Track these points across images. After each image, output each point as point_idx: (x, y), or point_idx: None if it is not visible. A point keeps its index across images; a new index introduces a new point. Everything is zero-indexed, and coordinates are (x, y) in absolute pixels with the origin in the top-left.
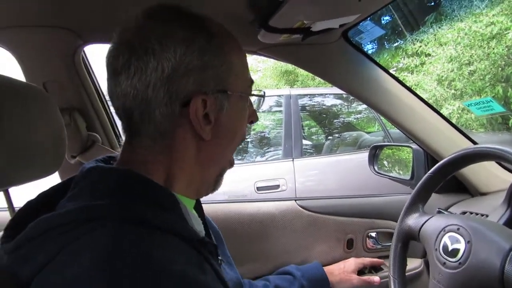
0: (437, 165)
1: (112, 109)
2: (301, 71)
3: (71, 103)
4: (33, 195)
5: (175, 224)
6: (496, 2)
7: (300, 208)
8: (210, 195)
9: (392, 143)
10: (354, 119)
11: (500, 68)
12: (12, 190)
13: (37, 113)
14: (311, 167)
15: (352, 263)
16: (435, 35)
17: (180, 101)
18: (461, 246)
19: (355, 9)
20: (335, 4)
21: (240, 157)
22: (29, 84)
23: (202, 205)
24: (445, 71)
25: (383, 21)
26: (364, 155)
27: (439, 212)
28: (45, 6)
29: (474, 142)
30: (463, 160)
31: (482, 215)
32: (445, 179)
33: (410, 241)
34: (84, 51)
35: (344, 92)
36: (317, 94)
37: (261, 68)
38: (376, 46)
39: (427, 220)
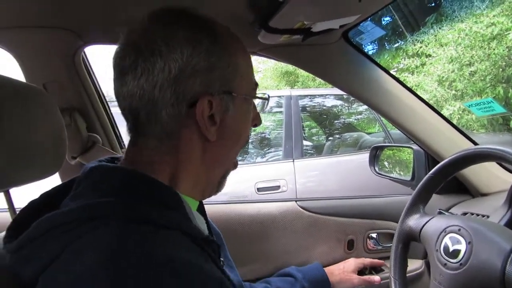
0: (437, 166)
1: (112, 110)
2: (302, 72)
3: (71, 104)
4: (33, 196)
5: (180, 222)
6: (496, 2)
7: (301, 209)
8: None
9: (393, 144)
10: (355, 120)
11: (500, 69)
12: (12, 191)
13: (38, 114)
14: (312, 168)
15: (352, 263)
16: (435, 35)
17: (186, 102)
18: (462, 247)
19: (356, 10)
20: (335, 4)
21: (240, 158)
22: (30, 84)
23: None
24: (446, 71)
25: (383, 22)
26: (364, 156)
27: (440, 213)
28: (45, 6)
29: (475, 143)
30: (464, 161)
31: (483, 216)
32: (446, 180)
33: (411, 242)
34: (84, 52)
35: (345, 93)
36: (318, 95)
37: (262, 69)
38: (377, 47)
39: (428, 221)
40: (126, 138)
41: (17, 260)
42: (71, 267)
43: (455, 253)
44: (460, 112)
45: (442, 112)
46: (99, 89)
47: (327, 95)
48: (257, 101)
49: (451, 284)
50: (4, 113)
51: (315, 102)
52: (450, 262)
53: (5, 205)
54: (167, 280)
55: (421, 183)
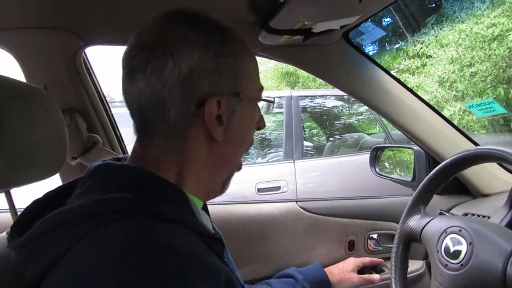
0: (438, 166)
1: (113, 111)
2: (302, 73)
3: (71, 105)
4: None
5: (187, 218)
6: (497, 3)
7: (301, 210)
8: None
9: (393, 145)
10: (355, 120)
11: (501, 70)
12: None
13: (39, 114)
14: (312, 168)
15: (351, 262)
16: (436, 36)
17: (195, 102)
18: (463, 247)
19: (356, 10)
20: (335, 5)
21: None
22: (30, 84)
23: None
24: (446, 72)
25: (384, 23)
26: (365, 157)
27: (440, 213)
28: (46, 7)
29: (476, 144)
30: (465, 161)
31: (484, 216)
32: (447, 180)
33: (411, 242)
34: (85, 53)
35: (345, 94)
36: (318, 96)
37: (262, 70)
38: (377, 48)
39: (428, 222)
40: (126, 138)
41: (23, 257)
42: (81, 262)
43: (456, 254)
44: (461, 112)
45: (442, 113)
46: (99, 89)
47: (327, 96)
48: (260, 105)
49: (452, 285)
50: (4, 114)
51: (315, 103)
52: (451, 263)
53: (5, 205)
54: (177, 271)
55: (421, 183)
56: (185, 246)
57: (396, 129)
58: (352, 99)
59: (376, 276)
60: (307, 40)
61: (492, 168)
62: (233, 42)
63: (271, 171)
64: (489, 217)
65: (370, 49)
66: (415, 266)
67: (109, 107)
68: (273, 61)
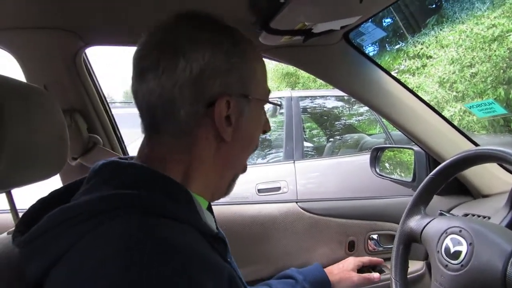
0: (438, 167)
1: (113, 111)
2: (303, 73)
3: (72, 105)
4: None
5: (191, 217)
6: (497, 4)
7: (302, 210)
8: None
9: (394, 145)
10: (356, 121)
11: (501, 70)
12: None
13: (40, 114)
14: (312, 169)
15: (351, 261)
16: (436, 37)
17: (205, 101)
18: (463, 248)
19: (356, 11)
20: (336, 5)
21: None
22: (31, 85)
23: None
24: (447, 73)
25: (384, 23)
26: (365, 157)
27: (441, 214)
28: (46, 8)
29: (476, 144)
30: (465, 162)
31: (484, 217)
32: (447, 181)
33: (412, 243)
34: (85, 53)
35: (345, 94)
36: (318, 96)
37: None
38: (378, 48)
39: (429, 222)
40: (126, 139)
41: (26, 254)
42: (83, 261)
43: (456, 254)
44: (461, 113)
45: (443, 114)
46: (100, 90)
47: (328, 96)
48: (266, 108)
49: (452, 286)
50: (5, 114)
51: (316, 104)
52: (451, 263)
53: (6, 206)
54: (181, 270)
55: (422, 184)
56: (189, 245)
57: (397, 130)
58: (353, 99)
59: (376, 275)
60: (307, 41)
61: (492, 168)
62: (243, 44)
63: (271, 172)
64: (489, 218)
65: (370, 50)
66: (415, 266)
67: (109, 108)
68: (274, 62)
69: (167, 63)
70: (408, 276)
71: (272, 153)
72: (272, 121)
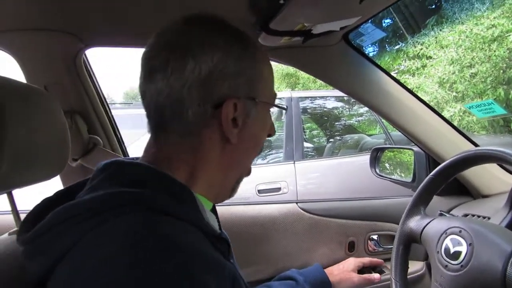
0: (438, 167)
1: (113, 112)
2: (302, 74)
3: (72, 106)
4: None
5: (193, 217)
6: (497, 4)
7: (302, 211)
8: None
9: (394, 146)
10: (356, 121)
11: (501, 71)
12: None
13: (40, 115)
14: (313, 169)
15: (351, 262)
16: (436, 37)
17: (213, 103)
18: (463, 248)
19: (356, 12)
20: (335, 6)
21: None
22: (32, 85)
23: None
24: (447, 73)
25: (384, 24)
26: (365, 158)
27: (441, 214)
28: (46, 9)
29: (476, 145)
30: (465, 162)
31: (484, 217)
32: (447, 181)
33: (411, 243)
34: (85, 54)
35: (345, 95)
36: (318, 97)
37: None
38: (377, 49)
39: (428, 223)
40: (126, 139)
41: (32, 250)
42: (90, 256)
43: (456, 254)
44: (461, 113)
45: (443, 114)
46: (100, 91)
47: (327, 97)
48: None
49: (452, 286)
50: (6, 114)
51: (316, 104)
52: (451, 263)
53: (6, 207)
54: (183, 268)
55: (422, 184)
56: (191, 244)
57: (396, 130)
58: (352, 100)
59: (376, 276)
60: (307, 42)
61: (492, 169)
62: (253, 47)
63: (272, 172)
64: (489, 218)
65: (370, 50)
66: (415, 267)
67: (109, 109)
68: (273, 63)
69: (176, 64)
70: (408, 277)
71: (272, 154)
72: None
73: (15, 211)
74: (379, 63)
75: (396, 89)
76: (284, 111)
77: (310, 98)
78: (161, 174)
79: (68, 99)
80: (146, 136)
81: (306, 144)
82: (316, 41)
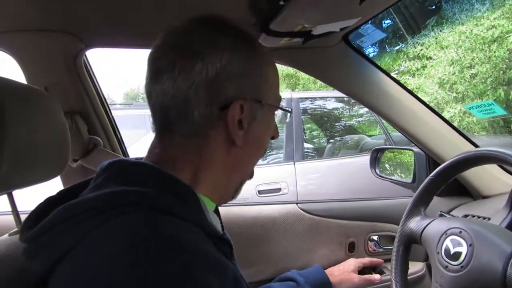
0: (438, 168)
1: (113, 113)
2: (303, 75)
3: (72, 107)
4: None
5: (196, 217)
6: (497, 5)
7: (302, 211)
8: None
9: (394, 146)
10: (356, 122)
11: (501, 71)
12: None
13: (41, 115)
14: (313, 170)
15: (351, 263)
16: (436, 38)
17: (219, 104)
18: (463, 249)
19: (356, 13)
20: (335, 7)
21: None
22: (32, 86)
23: None
24: (447, 74)
25: (384, 25)
26: (365, 158)
27: (441, 215)
28: (47, 10)
29: (476, 145)
30: (465, 163)
31: (484, 218)
32: (447, 182)
33: (412, 244)
34: (85, 55)
35: (345, 96)
36: (319, 98)
37: None
38: (377, 50)
39: (429, 223)
40: (126, 140)
41: (34, 248)
42: (92, 255)
43: (456, 255)
44: (461, 114)
45: (443, 115)
46: (100, 91)
47: (328, 98)
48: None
49: (452, 287)
50: (6, 115)
51: (316, 105)
52: (451, 264)
53: (7, 207)
54: (186, 268)
55: (422, 185)
56: (195, 244)
57: (396, 131)
58: (353, 101)
59: (376, 276)
60: (307, 42)
61: (492, 169)
62: (259, 50)
63: (272, 173)
64: (489, 219)
65: (370, 51)
66: (415, 267)
67: (109, 109)
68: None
69: (183, 65)
70: (408, 277)
71: (272, 154)
72: None
73: (15, 211)
74: (379, 64)
75: (396, 90)
76: (288, 114)
77: (310, 99)
78: (165, 174)
79: (69, 100)
80: (146, 137)
81: (306, 145)
82: (316, 42)
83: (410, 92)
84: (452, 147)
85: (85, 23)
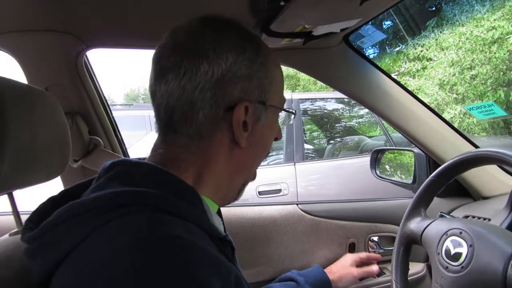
0: (439, 169)
1: (114, 114)
2: (303, 75)
3: (73, 107)
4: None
5: (200, 218)
6: (497, 6)
7: (302, 212)
8: None
9: (394, 147)
10: (356, 123)
11: (501, 73)
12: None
13: (42, 116)
14: (313, 171)
15: (348, 257)
16: (436, 39)
17: (224, 105)
18: (464, 250)
19: (356, 14)
20: (336, 8)
21: None
22: (33, 86)
23: None
24: (447, 75)
25: (384, 26)
26: (366, 159)
27: (441, 216)
28: (48, 10)
29: (476, 146)
30: (465, 164)
31: (485, 219)
32: (447, 183)
33: (412, 245)
34: (86, 55)
35: (346, 96)
36: (319, 99)
37: None
38: (378, 51)
39: (429, 224)
40: (126, 141)
41: (36, 248)
42: (94, 255)
43: (457, 256)
44: (461, 115)
45: (443, 116)
46: (100, 92)
47: (328, 99)
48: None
49: (453, 287)
50: (7, 115)
51: (316, 106)
52: (452, 265)
53: (7, 208)
54: (190, 269)
55: (422, 186)
56: (198, 245)
57: (397, 132)
58: (353, 101)
59: (375, 268)
60: (307, 43)
61: (493, 170)
62: (265, 51)
63: (272, 174)
64: (489, 219)
65: (370, 52)
66: (416, 268)
67: (110, 110)
68: None
69: (189, 65)
70: (408, 278)
71: (272, 155)
72: None
73: (15, 212)
74: (379, 65)
75: (396, 91)
76: (292, 116)
77: (310, 100)
78: (169, 175)
79: (69, 100)
80: (147, 138)
81: (306, 146)
82: (316, 43)
83: (410, 93)
84: (453, 148)
85: (86, 23)
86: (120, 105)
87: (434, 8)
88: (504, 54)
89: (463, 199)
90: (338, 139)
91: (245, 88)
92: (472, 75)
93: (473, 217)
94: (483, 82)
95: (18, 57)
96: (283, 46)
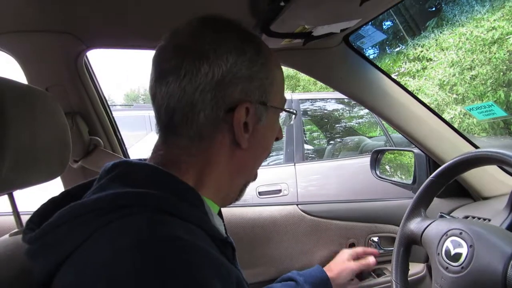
0: (439, 169)
1: (114, 114)
2: (303, 76)
3: (73, 107)
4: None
5: (201, 219)
6: (497, 7)
7: (302, 213)
8: None
9: (394, 148)
10: (356, 123)
11: (501, 73)
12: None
13: (42, 116)
14: (313, 171)
15: (345, 252)
16: (436, 40)
17: (225, 107)
18: (464, 250)
19: (356, 14)
20: (336, 9)
21: None
22: (34, 87)
23: None
24: (447, 75)
25: (384, 26)
26: (366, 160)
27: (441, 216)
28: (48, 11)
29: (476, 147)
30: (465, 164)
31: (485, 219)
32: (447, 183)
33: (412, 245)
34: (86, 56)
35: (346, 97)
36: (319, 99)
37: None
38: (378, 51)
39: (429, 225)
40: (126, 141)
41: (38, 249)
42: (95, 256)
43: (457, 256)
44: (461, 116)
45: (443, 116)
46: (101, 92)
47: (328, 99)
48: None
49: None
50: (8, 116)
51: (316, 106)
52: (452, 265)
53: (7, 208)
54: (192, 271)
55: (422, 186)
56: (199, 246)
57: (397, 132)
58: (353, 102)
59: (372, 260)
60: (307, 44)
61: (493, 171)
62: (265, 51)
63: (272, 174)
64: (489, 220)
65: (370, 52)
66: (416, 269)
67: (110, 110)
68: None
69: (189, 67)
70: (408, 279)
71: (272, 156)
72: None
73: (16, 212)
74: (379, 65)
75: (396, 91)
76: (293, 116)
77: (310, 100)
78: (170, 176)
79: (69, 101)
80: (147, 138)
81: (306, 146)
82: (316, 43)
83: (410, 93)
84: (453, 148)
85: (86, 23)
86: (120, 105)
87: (434, 9)
88: (504, 54)
89: (463, 199)
90: (338, 140)
91: (245, 89)
92: (472, 75)
93: (473, 217)
94: (483, 82)
95: (18, 57)
96: (283, 46)
